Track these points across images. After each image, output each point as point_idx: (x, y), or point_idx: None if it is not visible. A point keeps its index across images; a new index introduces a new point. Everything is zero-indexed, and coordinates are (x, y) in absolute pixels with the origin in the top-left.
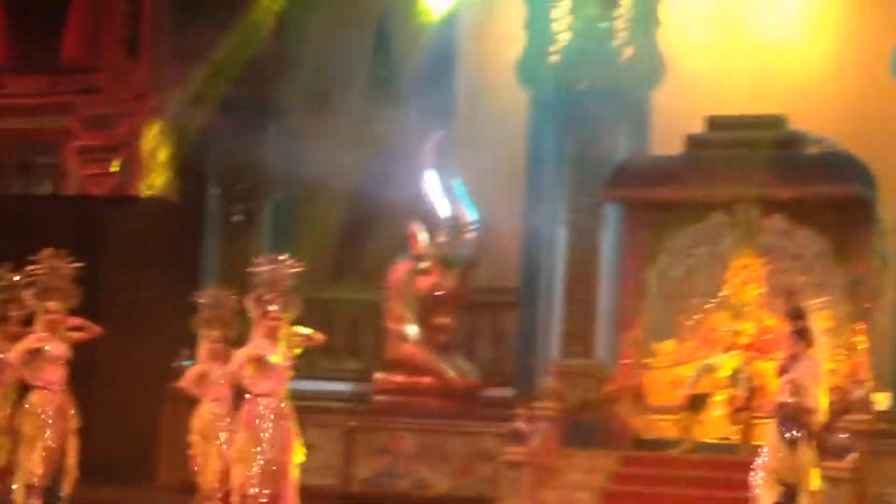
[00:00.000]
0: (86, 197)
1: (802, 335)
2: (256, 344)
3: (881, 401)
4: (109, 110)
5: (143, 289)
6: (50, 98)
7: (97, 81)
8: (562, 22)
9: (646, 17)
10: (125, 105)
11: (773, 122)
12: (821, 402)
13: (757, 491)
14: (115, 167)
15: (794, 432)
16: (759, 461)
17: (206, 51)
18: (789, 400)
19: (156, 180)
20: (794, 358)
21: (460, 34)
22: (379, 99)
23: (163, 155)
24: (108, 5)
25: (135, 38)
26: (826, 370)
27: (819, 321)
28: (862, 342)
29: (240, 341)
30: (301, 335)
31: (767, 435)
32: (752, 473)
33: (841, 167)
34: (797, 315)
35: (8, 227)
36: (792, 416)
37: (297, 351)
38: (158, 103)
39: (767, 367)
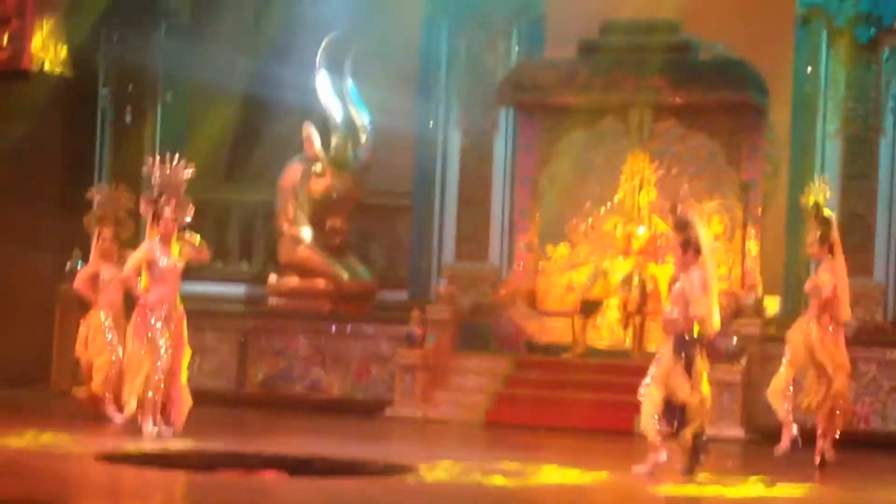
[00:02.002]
0: None
1: (689, 245)
2: (149, 248)
3: (771, 306)
4: None
5: (31, 178)
6: None
7: None
8: None
9: None
10: None
11: (667, 27)
12: (712, 308)
13: (642, 398)
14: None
15: (687, 351)
16: (651, 369)
17: None
18: (676, 316)
19: (48, 55)
20: (683, 268)
21: None
22: None
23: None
24: None
25: None
26: (717, 276)
27: (709, 227)
28: (753, 247)
29: (132, 242)
30: (191, 246)
31: (661, 349)
32: (644, 381)
33: (733, 73)
34: (683, 226)
35: None
36: (682, 333)
37: (184, 261)
38: None
39: (660, 272)
